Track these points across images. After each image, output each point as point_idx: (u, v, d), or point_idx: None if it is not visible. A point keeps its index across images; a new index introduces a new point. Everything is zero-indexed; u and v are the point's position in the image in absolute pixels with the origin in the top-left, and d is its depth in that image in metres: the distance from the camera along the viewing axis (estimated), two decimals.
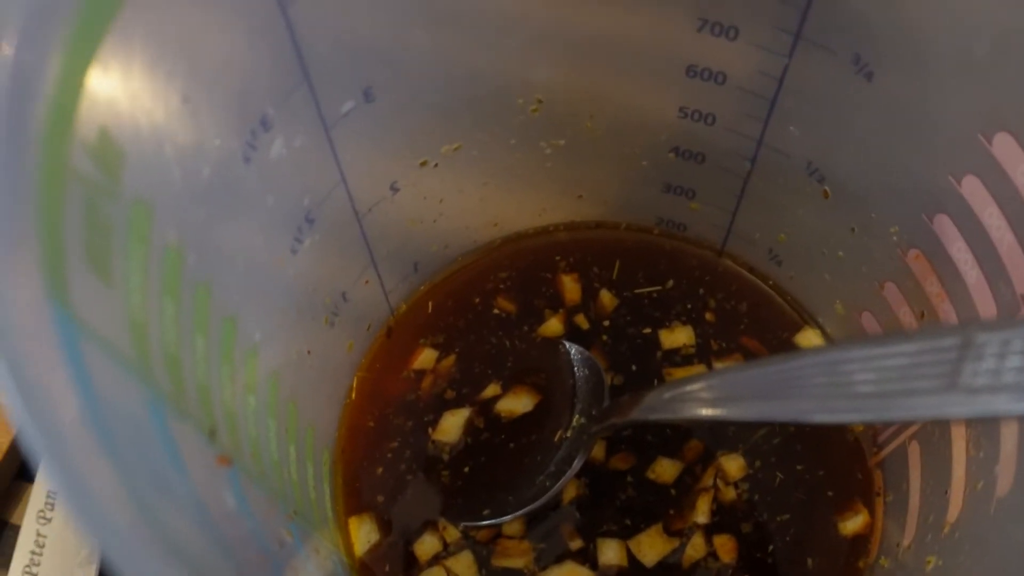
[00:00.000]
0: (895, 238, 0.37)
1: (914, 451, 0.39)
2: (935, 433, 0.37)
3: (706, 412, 0.31)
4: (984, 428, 0.33)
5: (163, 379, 0.25)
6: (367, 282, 0.42)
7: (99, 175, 0.23)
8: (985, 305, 0.32)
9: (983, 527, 0.31)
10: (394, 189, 0.40)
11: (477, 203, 0.45)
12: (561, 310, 0.46)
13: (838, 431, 0.43)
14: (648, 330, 0.45)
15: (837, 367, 0.26)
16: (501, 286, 0.47)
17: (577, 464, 0.40)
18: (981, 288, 0.33)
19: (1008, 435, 0.31)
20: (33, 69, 0.21)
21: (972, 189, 0.32)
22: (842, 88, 0.35)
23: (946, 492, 0.35)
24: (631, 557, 0.41)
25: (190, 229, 0.28)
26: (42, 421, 0.17)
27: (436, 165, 0.41)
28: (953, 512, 0.34)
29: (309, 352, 0.39)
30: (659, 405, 0.34)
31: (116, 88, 0.24)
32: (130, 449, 0.21)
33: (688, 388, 0.32)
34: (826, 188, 0.39)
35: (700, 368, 0.44)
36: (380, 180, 0.39)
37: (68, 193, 0.22)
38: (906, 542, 0.38)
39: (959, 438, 0.35)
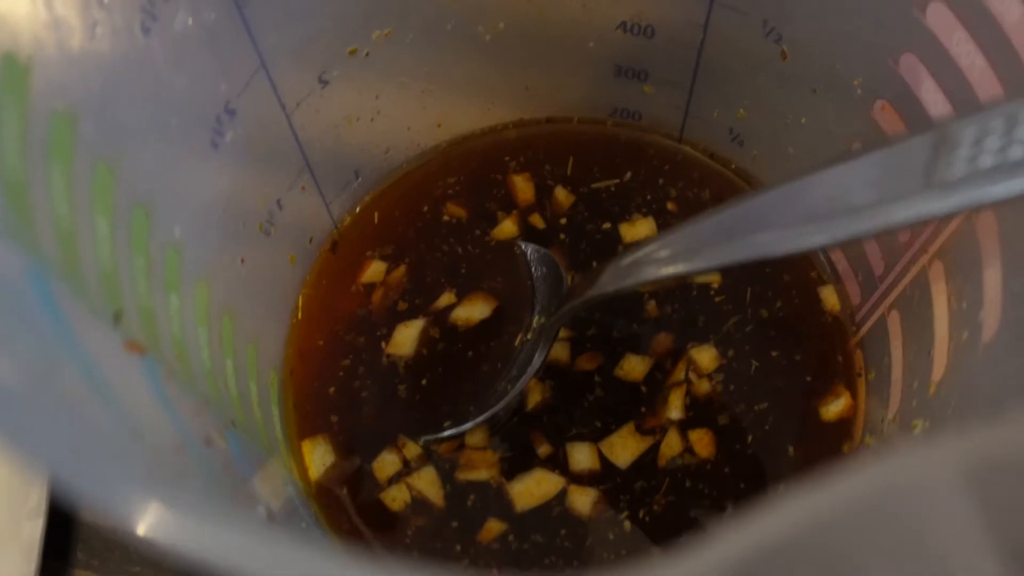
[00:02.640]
0: (859, 91, 0.35)
1: (894, 321, 0.37)
2: (915, 296, 0.35)
3: (668, 270, 0.28)
4: (967, 276, 0.30)
5: (51, 251, 0.23)
6: (304, 188, 0.40)
7: None
8: None
9: (971, 376, 0.29)
10: (323, 81, 0.37)
11: (417, 99, 0.42)
12: (515, 211, 0.44)
13: (814, 313, 0.41)
14: (608, 225, 0.43)
15: (802, 194, 0.24)
16: (450, 191, 0.44)
17: (537, 360, 0.38)
18: None
19: (991, 276, 0.29)
20: None
21: (937, 16, 0.30)
22: None
23: (929, 353, 0.33)
24: (603, 459, 0.38)
25: (82, 95, 0.25)
26: None
27: (367, 54, 0.38)
28: (938, 371, 0.32)
29: (243, 261, 0.36)
30: (619, 274, 0.31)
31: None
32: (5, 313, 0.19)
33: (647, 249, 0.30)
34: (784, 48, 0.36)
35: None
36: (306, 70, 0.37)
37: None
38: (890, 415, 0.36)
39: (940, 294, 0.33)
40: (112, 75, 0.27)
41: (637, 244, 0.31)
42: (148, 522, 0.14)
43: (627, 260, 0.31)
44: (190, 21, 0.30)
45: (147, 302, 0.28)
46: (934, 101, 0.31)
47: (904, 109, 0.33)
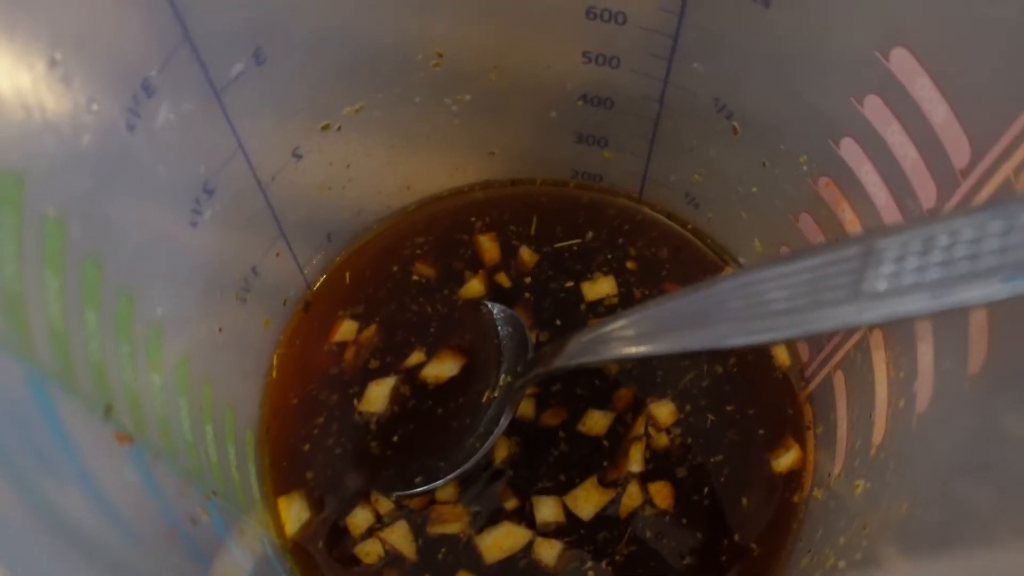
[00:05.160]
0: (805, 168, 0.37)
1: (839, 381, 0.39)
2: (858, 359, 0.37)
3: (628, 350, 0.30)
4: (902, 348, 0.33)
5: (46, 355, 0.24)
6: (278, 254, 0.41)
7: None
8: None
9: (906, 444, 0.31)
10: (297, 155, 0.39)
11: (387, 166, 0.44)
12: (481, 270, 0.45)
13: (766, 368, 0.43)
14: (570, 283, 0.45)
15: (750, 288, 0.26)
16: (418, 251, 0.46)
17: (504, 421, 0.40)
18: (890, 208, 0.33)
19: (924, 351, 0.31)
20: None
21: (874, 108, 0.32)
22: (741, 18, 0.34)
23: (871, 416, 0.35)
24: (568, 512, 0.40)
25: (72, 200, 0.27)
26: None
27: (339, 128, 0.40)
28: (878, 435, 0.34)
29: (221, 330, 0.38)
30: (581, 349, 0.33)
31: None
32: (6, 426, 0.20)
33: (608, 329, 0.32)
34: (735, 124, 0.39)
35: None
36: (281, 146, 0.38)
37: None
38: (836, 471, 0.38)
39: (880, 361, 0.35)
40: (98, 175, 0.28)
41: (601, 322, 0.33)
42: None
43: (590, 336, 0.33)
44: (172, 113, 0.31)
45: (133, 386, 0.29)
46: (873, 183, 0.34)
47: (846, 187, 0.35)
